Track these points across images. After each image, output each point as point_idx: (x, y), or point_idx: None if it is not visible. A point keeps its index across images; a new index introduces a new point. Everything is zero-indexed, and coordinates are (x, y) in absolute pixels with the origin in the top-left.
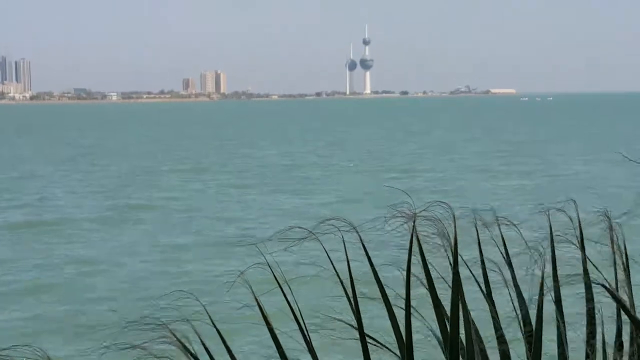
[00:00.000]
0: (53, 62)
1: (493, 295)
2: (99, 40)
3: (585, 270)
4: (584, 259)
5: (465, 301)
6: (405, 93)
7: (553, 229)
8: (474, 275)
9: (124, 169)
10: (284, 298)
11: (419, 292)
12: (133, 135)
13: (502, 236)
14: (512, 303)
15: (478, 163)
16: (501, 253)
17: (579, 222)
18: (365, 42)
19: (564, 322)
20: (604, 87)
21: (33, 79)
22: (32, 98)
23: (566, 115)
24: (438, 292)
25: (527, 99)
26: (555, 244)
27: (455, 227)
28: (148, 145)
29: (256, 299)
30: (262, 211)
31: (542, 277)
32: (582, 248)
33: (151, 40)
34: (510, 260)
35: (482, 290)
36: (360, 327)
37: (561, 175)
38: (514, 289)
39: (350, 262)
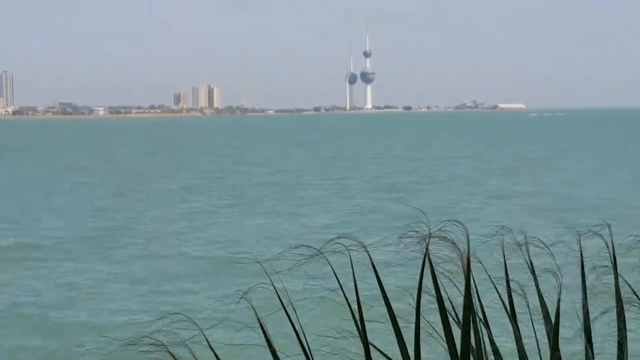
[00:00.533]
0: (37, 75)
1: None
2: (86, 52)
3: (619, 297)
4: (617, 284)
5: (479, 335)
6: (408, 108)
7: (584, 254)
8: (502, 300)
9: (113, 187)
10: (288, 320)
11: (433, 318)
12: (123, 152)
13: (529, 260)
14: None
15: (482, 179)
16: (535, 280)
17: (612, 246)
18: (366, 55)
19: (593, 354)
20: (617, 103)
21: (16, 93)
22: (14, 113)
23: (574, 131)
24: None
25: (535, 114)
26: (586, 270)
27: (468, 248)
28: (139, 162)
29: (259, 321)
30: (259, 233)
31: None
32: (615, 272)
33: (141, 53)
34: (539, 289)
35: (509, 317)
36: (367, 353)
37: (574, 197)
38: (543, 320)
39: (358, 284)
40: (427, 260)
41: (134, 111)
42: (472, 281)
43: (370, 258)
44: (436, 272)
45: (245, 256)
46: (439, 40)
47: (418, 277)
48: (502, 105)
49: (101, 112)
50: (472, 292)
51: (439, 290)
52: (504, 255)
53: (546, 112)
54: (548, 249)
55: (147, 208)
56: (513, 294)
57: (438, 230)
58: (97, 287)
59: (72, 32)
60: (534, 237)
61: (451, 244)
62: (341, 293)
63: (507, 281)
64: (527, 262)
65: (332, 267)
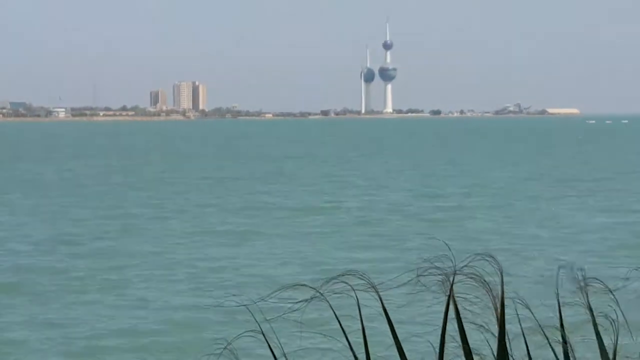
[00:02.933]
0: None
1: None
2: (43, 44)
3: None
4: None
5: None
6: (437, 112)
7: None
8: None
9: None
10: None
11: None
12: (98, 166)
13: (589, 305)
14: None
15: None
16: (598, 334)
17: None
18: (387, 46)
19: None
20: None
21: None
22: None
23: None
24: None
25: (594, 121)
26: None
27: (502, 289)
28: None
29: None
30: (257, 260)
31: None
32: None
33: (109, 43)
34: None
35: None
36: None
37: None
38: None
39: (366, 330)
40: (452, 303)
41: (101, 113)
42: (506, 332)
43: (381, 300)
44: (464, 320)
45: (231, 297)
46: (474, 31)
47: (441, 326)
48: (551, 110)
49: (62, 115)
50: (507, 344)
51: (466, 340)
52: (558, 303)
53: (606, 118)
54: (612, 293)
55: None
56: (552, 344)
57: (465, 266)
58: None
59: (22, 26)
60: (595, 278)
61: (481, 282)
62: (345, 341)
63: (563, 336)
64: (586, 308)
65: (334, 312)
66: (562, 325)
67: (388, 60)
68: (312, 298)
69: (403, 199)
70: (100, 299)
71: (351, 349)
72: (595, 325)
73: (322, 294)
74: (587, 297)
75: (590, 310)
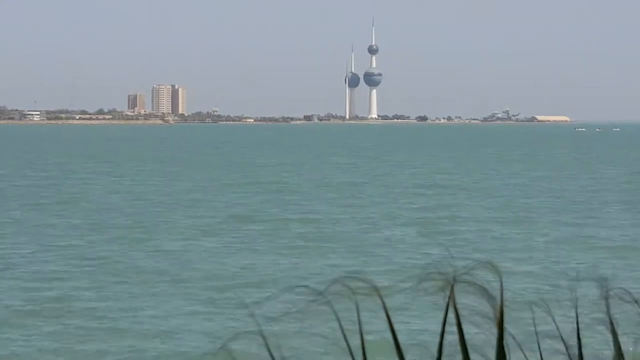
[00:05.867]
0: None
1: None
2: (17, 43)
3: None
4: None
5: None
6: (423, 118)
7: None
8: None
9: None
10: None
11: None
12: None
13: (610, 319)
14: None
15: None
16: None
17: None
18: (372, 51)
19: None
20: None
21: None
22: None
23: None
24: None
25: (584, 129)
26: None
27: (502, 296)
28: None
29: None
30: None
31: None
32: None
33: (85, 44)
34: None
35: None
36: None
37: None
38: None
39: (364, 335)
40: (453, 309)
41: (77, 117)
42: (504, 340)
43: (384, 304)
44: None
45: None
46: (462, 35)
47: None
48: (540, 117)
49: (36, 118)
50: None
51: (466, 348)
52: (576, 312)
53: (597, 126)
54: (637, 304)
55: None
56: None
57: (465, 273)
58: None
59: None
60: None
61: (480, 290)
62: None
63: (579, 348)
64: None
65: (336, 314)
66: (579, 339)
67: (373, 64)
68: (312, 300)
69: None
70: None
71: (350, 353)
72: (615, 335)
73: (325, 295)
74: (608, 307)
75: (611, 321)
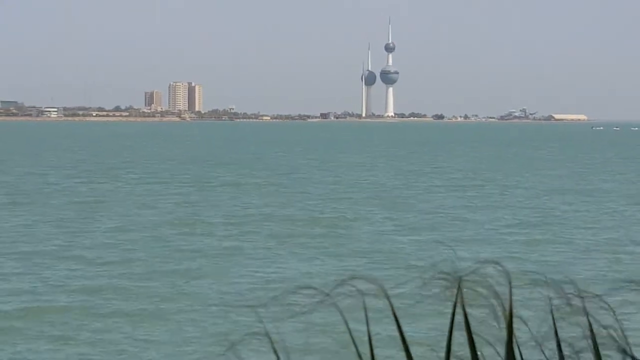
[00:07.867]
0: None
1: None
2: (36, 41)
3: None
4: None
5: None
6: (440, 117)
7: None
8: None
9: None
10: None
11: None
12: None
13: (590, 324)
14: None
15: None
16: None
17: None
18: (389, 49)
19: None
20: None
21: None
22: None
23: None
24: None
25: (602, 128)
26: None
27: (510, 298)
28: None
29: None
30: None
31: None
32: None
33: (104, 42)
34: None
35: None
36: None
37: None
38: None
39: (372, 336)
40: (460, 309)
41: (94, 114)
42: (515, 341)
43: (391, 304)
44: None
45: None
46: (479, 34)
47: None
48: (557, 116)
49: (54, 114)
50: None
51: (475, 350)
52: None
53: (614, 125)
54: (613, 313)
55: None
56: None
57: (472, 272)
58: None
59: (16, 23)
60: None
61: (488, 289)
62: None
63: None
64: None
65: (342, 315)
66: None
67: (390, 62)
68: (320, 301)
69: None
70: None
71: (358, 353)
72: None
73: (330, 296)
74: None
75: (591, 328)
